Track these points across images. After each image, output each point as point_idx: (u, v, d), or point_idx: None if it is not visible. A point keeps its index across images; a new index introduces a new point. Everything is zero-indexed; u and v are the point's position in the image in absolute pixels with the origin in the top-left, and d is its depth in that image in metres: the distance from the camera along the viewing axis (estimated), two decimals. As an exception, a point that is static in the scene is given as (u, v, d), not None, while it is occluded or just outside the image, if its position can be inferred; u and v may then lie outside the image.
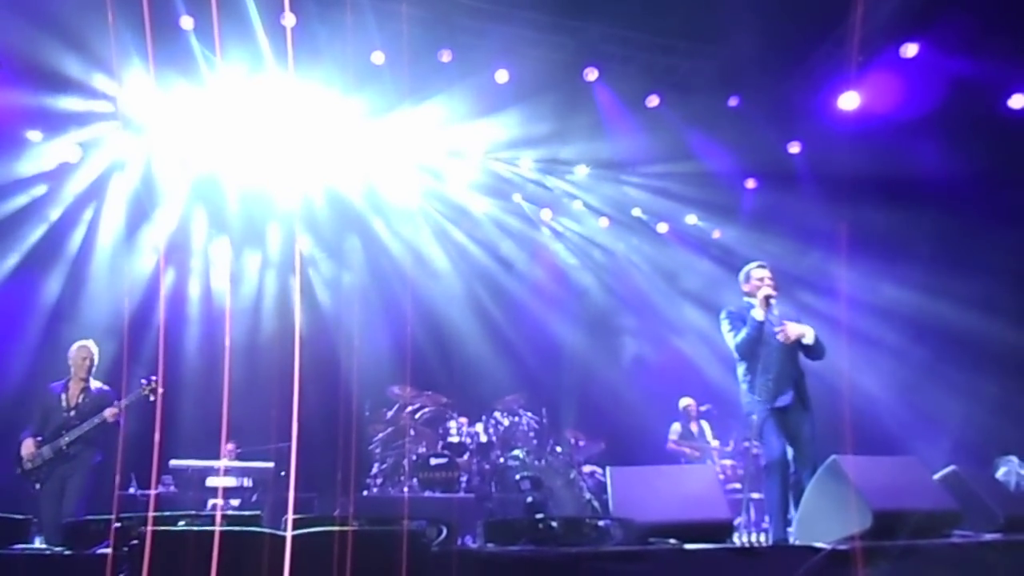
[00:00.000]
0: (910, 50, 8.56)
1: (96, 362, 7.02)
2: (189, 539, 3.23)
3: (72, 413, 6.72)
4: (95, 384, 6.97)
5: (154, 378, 6.86)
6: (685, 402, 9.89)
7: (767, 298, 6.01)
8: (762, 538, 7.53)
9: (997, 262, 9.35)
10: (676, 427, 9.75)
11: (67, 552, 4.10)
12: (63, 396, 6.82)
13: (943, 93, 8.53)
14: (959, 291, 9.24)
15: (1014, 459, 8.24)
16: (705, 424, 9.86)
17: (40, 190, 9.46)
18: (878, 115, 9.06)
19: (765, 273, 6.22)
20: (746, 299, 6.26)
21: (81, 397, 6.83)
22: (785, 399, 5.90)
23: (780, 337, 5.97)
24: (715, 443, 9.72)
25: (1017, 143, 8.82)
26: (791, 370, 6.00)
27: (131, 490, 7.92)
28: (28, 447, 6.58)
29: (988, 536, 5.06)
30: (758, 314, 5.99)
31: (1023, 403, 8.76)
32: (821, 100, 9.42)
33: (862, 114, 9.16)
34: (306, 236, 10.77)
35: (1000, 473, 8.11)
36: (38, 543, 5.44)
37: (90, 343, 7.05)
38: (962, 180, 8.87)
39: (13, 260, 9.27)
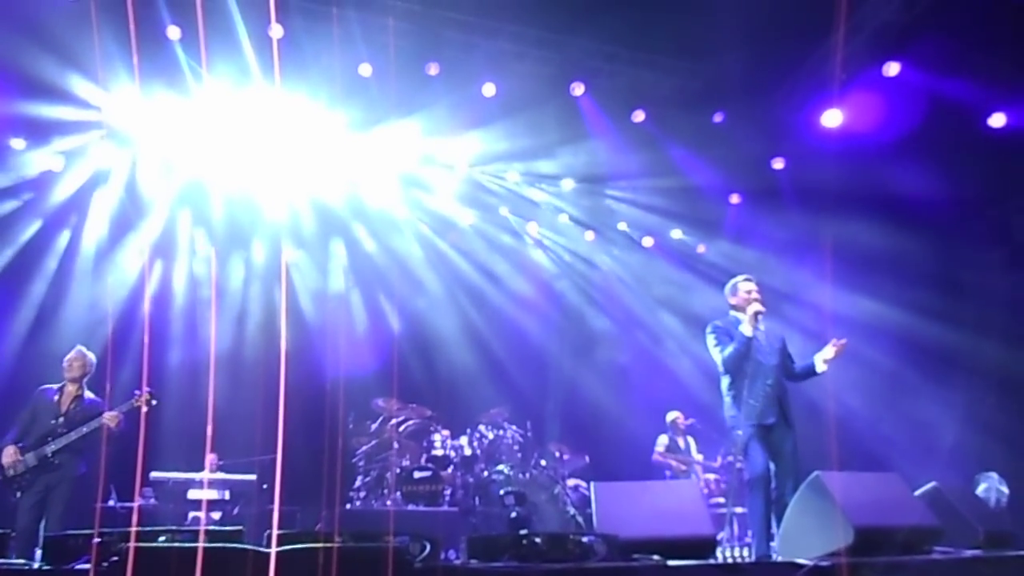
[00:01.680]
0: (892, 69, 8.66)
1: (91, 370, 6.92)
2: (171, 556, 3.21)
3: (61, 420, 6.60)
4: (89, 394, 6.86)
5: (148, 389, 6.79)
6: (673, 415, 9.89)
7: (756, 314, 6.02)
8: (745, 553, 7.55)
9: (980, 280, 9.46)
10: (663, 439, 9.73)
11: (46, 567, 4.05)
12: (56, 400, 6.71)
13: (925, 111, 8.62)
14: (942, 308, 9.33)
15: (994, 475, 8.30)
16: (691, 439, 9.87)
17: (22, 199, 9.39)
18: (861, 133, 9.15)
19: (752, 286, 6.22)
20: (733, 313, 6.25)
21: (73, 405, 6.71)
22: (770, 416, 5.92)
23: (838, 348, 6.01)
24: (699, 457, 9.74)
25: (997, 162, 8.93)
26: (776, 387, 6.01)
27: (111, 502, 7.84)
28: (9, 454, 6.44)
29: (968, 552, 5.10)
30: (746, 329, 5.99)
31: (1003, 420, 8.84)
32: (805, 117, 9.52)
33: (845, 131, 9.25)
34: (291, 247, 10.74)
35: (980, 489, 8.16)
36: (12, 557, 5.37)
37: (85, 350, 6.96)
38: (945, 198, 8.98)
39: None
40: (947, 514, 5.33)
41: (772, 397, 5.95)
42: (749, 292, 6.19)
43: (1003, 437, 8.69)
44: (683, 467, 9.51)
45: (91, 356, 6.96)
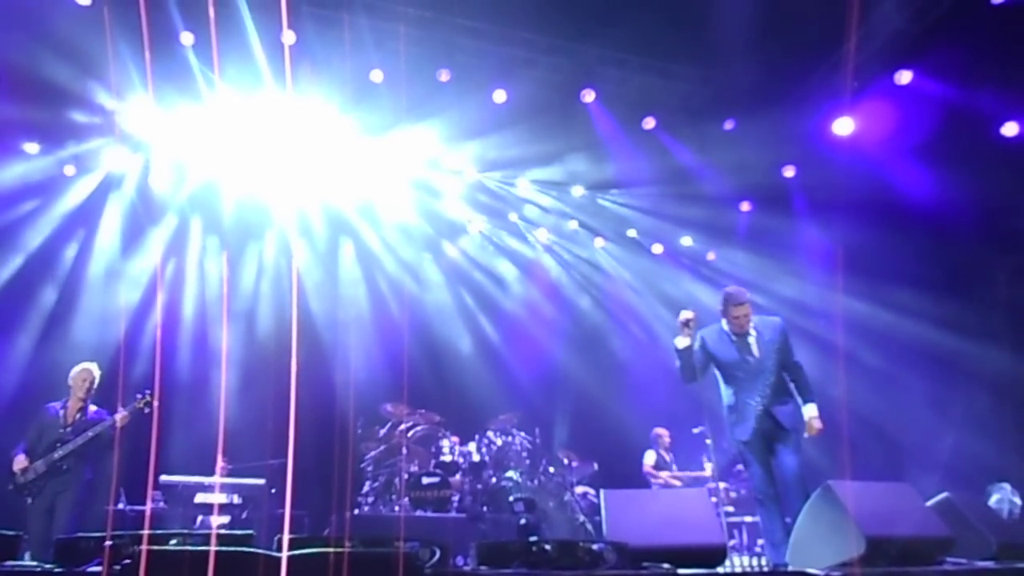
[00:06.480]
0: (904, 77, 8.64)
1: (96, 384, 7.00)
2: (183, 559, 3.21)
3: (67, 430, 6.73)
4: (92, 407, 6.95)
5: (148, 392, 6.84)
6: (659, 431, 9.99)
7: (684, 322, 5.99)
8: (754, 562, 7.53)
9: (990, 288, 9.40)
10: (651, 456, 9.85)
11: (58, 570, 4.06)
12: (61, 414, 6.83)
13: (937, 120, 8.59)
14: (953, 317, 9.27)
15: (1007, 486, 8.24)
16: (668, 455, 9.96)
17: (35, 203, 9.46)
18: (872, 141, 9.12)
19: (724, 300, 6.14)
20: None
21: (78, 416, 6.83)
22: (747, 432, 5.88)
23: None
24: (709, 466, 9.73)
25: (1009, 171, 8.89)
26: (759, 396, 5.91)
27: (120, 505, 7.87)
28: (20, 462, 6.60)
29: (981, 563, 5.06)
30: (678, 341, 5.98)
31: (1016, 429, 8.78)
32: (816, 125, 9.49)
33: (856, 140, 9.23)
34: (302, 253, 10.77)
35: (993, 500, 8.10)
36: (27, 559, 5.40)
37: (92, 366, 7.05)
38: (955, 207, 8.93)
39: (7, 273, 9.23)
40: (959, 524, 5.29)
41: (753, 412, 5.88)
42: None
43: (1016, 448, 8.63)
44: (677, 483, 9.59)
45: (96, 371, 7.05)
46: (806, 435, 5.87)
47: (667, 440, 9.99)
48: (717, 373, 6.14)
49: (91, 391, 6.94)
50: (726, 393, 6.06)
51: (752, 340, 6.01)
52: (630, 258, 12.02)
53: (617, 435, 10.58)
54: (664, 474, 9.70)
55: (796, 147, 9.98)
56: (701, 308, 11.09)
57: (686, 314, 5.99)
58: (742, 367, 5.96)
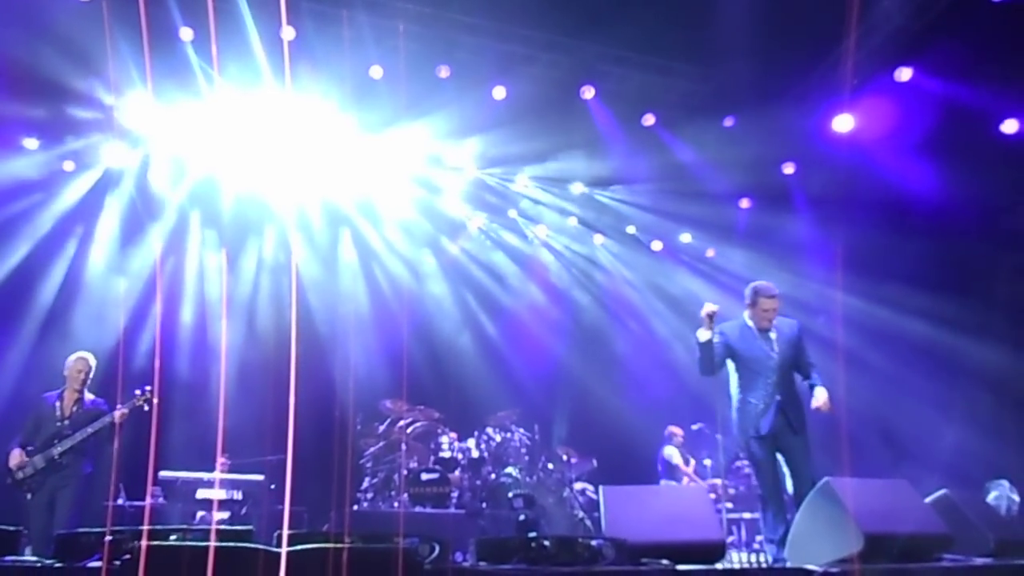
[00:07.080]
0: (904, 74, 8.63)
1: (92, 374, 6.98)
2: (183, 554, 3.22)
3: (65, 423, 6.68)
4: (89, 396, 6.93)
5: (148, 388, 6.84)
6: (673, 429, 9.99)
7: (708, 315, 5.89)
8: (753, 559, 7.55)
9: (990, 287, 9.40)
10: (677, 453, 9.83)
11: (58, 564, 4.07)
12: (57, 405, 6.78)
13: (936, 117, 8.58)
14: (952, 315, 9.28)
15: (1005, 483, 8.25)
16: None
17: (35, 198, 9.45)
18: (872, 138, 9.12)
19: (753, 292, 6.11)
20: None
21: (75, 408, 6.79)
22: (766, 426, 5.82)
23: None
24: (708, 462, 9.76)
25: (1009, 168, 8.89)
26: (776, 394, 5.87)
27: (120, 501, 7.88)
28: (15, 457, 6.54)
29: (979, 560, 5.09)
30: (700, 334, 5.91)
31: (1014, 427, 8.79)
32: (816, 122, 9.47)
33: (856, 137, 9.22)
34: (302, 249, 10.78)
35: (991, 497, 8.11)
36: (28, 554, 5.41)
37: (88, 355, 7.01)
38: (955, 204, 8.93)
39: (6, 269, 9.23)
40: (957, 521, 5.30)
41: (770, 407, 5.83)
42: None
43: (1015, 445, 8.64)
44: (703, 482, 9.64)
45: (92, 360, 7.02)
46: (814, 406, 5.87)
47: (680, 439, 9.97)
48: (732, 368, 6.09)
49: (87, 381, 6.91)
50: (740, 388, 5.99)
51: (773, 336, 5.99)
52: (629, 254, 12.02)
53: (616, 431, 10.58)
54: (688, 469, 9.76)
55: (796, 144, 9.96)
56: (702, 304, 11.17)
57: (710, 307, 5.88)
58: (763, 363, 5.91)
